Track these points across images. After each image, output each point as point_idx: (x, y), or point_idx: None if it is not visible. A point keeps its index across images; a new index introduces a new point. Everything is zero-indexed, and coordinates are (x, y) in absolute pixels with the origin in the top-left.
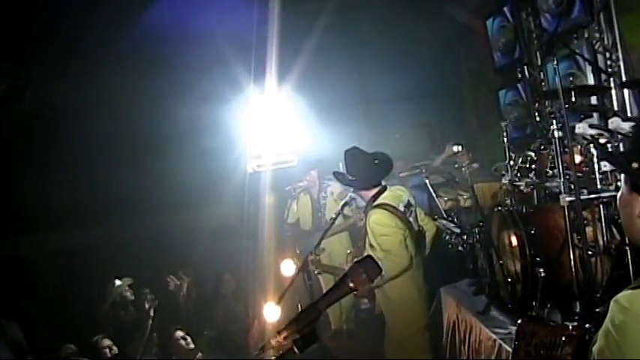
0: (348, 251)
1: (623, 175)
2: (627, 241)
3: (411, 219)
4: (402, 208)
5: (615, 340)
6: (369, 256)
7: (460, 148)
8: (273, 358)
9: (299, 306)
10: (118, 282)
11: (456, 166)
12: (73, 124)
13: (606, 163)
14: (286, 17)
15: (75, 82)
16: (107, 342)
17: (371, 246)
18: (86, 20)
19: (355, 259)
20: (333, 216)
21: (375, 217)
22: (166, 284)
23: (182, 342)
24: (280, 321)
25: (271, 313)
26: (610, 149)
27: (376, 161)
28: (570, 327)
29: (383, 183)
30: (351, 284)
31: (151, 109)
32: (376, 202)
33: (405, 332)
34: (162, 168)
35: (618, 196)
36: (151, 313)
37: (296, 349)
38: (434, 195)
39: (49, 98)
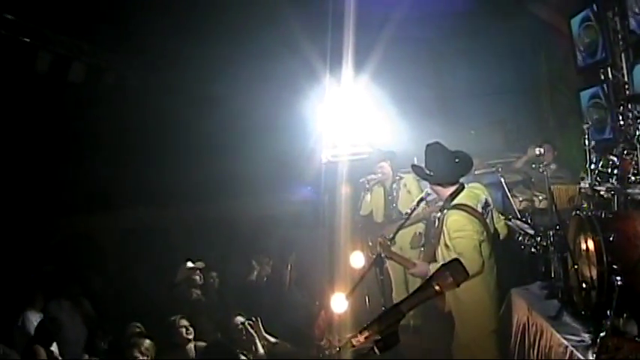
0: (422, 248)
1: None
2: None
3: (488, 220)
4: (479, 209)
5: None
6: (456, 259)
7: (542, 150)
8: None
9: (367, 299)
10: (189, 264)
11: (534, 165)
12: (153, 107)
13: None
14: (363, 7)
15: (156, 66)
16: (184, 322)
17: (445, 246)
18: (167, 7)
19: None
20: (408, 211)
21: (453, 218)
22: (241, 269)
23: (241, 327)
24: (346, 313)
25: (339, 304)
26: None
27: (457, 160)
28: None
29: (461, 181)
30: (437, 287)
31: (229, 97)
32: (454, 202)
33: (473, 335)
34: (239, 155)
35: None
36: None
37: (377, 350)
38: (508, 194)
39: (129, 80)
